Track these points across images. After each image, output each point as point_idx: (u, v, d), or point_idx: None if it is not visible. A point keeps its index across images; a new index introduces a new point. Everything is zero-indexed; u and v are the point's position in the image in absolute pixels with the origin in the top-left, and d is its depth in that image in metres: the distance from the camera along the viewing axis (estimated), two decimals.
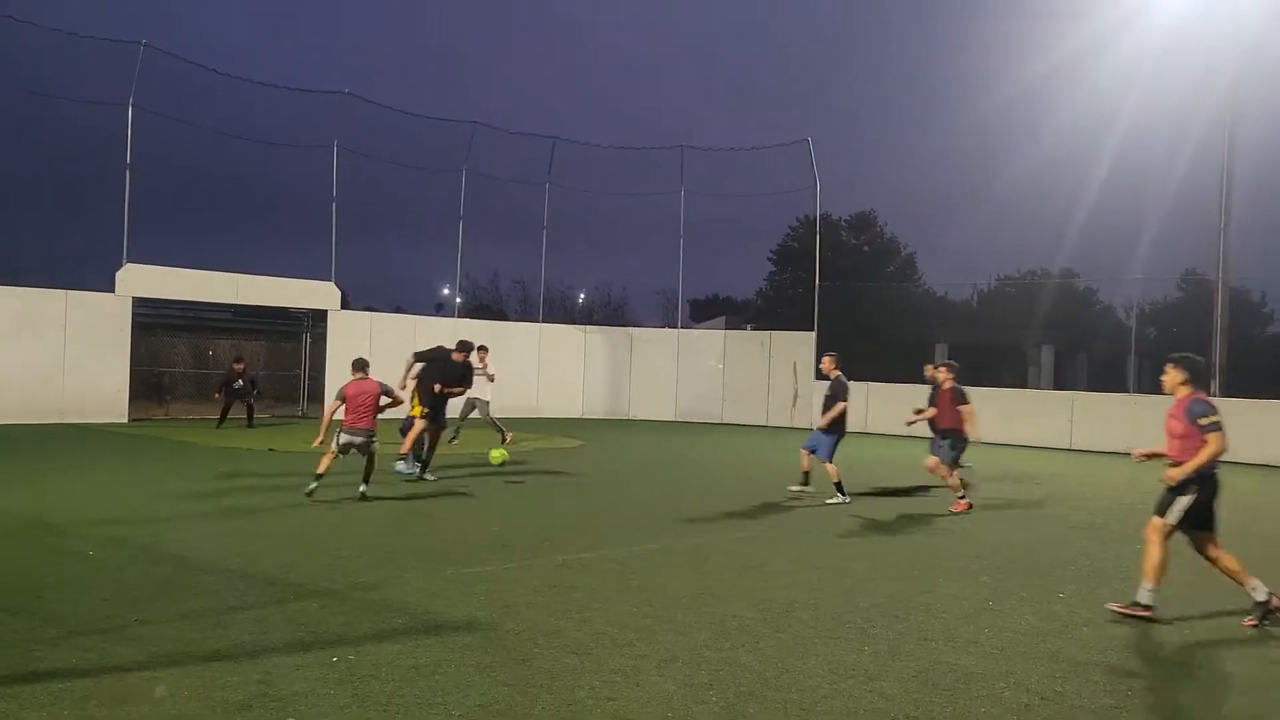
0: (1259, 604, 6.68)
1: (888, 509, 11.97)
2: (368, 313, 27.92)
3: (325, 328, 24.18)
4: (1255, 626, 6.60)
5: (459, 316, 29.60)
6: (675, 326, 32.58)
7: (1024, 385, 32.95)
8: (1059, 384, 35.26)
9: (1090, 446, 21.62)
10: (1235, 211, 23.41)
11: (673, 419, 27.86)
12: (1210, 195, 24.27)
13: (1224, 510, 7.01)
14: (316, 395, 24.48)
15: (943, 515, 11.57)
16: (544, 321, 29.46)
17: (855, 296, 42.10)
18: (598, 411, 27.96)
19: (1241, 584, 6.78)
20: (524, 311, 47.00)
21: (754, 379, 27.69)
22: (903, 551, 9.12)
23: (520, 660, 5.37)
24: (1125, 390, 29.68)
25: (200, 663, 5.14)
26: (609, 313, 51.52)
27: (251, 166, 26.19)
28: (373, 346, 24.37)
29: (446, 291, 34.86)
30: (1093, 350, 49.32)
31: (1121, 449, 20.52)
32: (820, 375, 17.08)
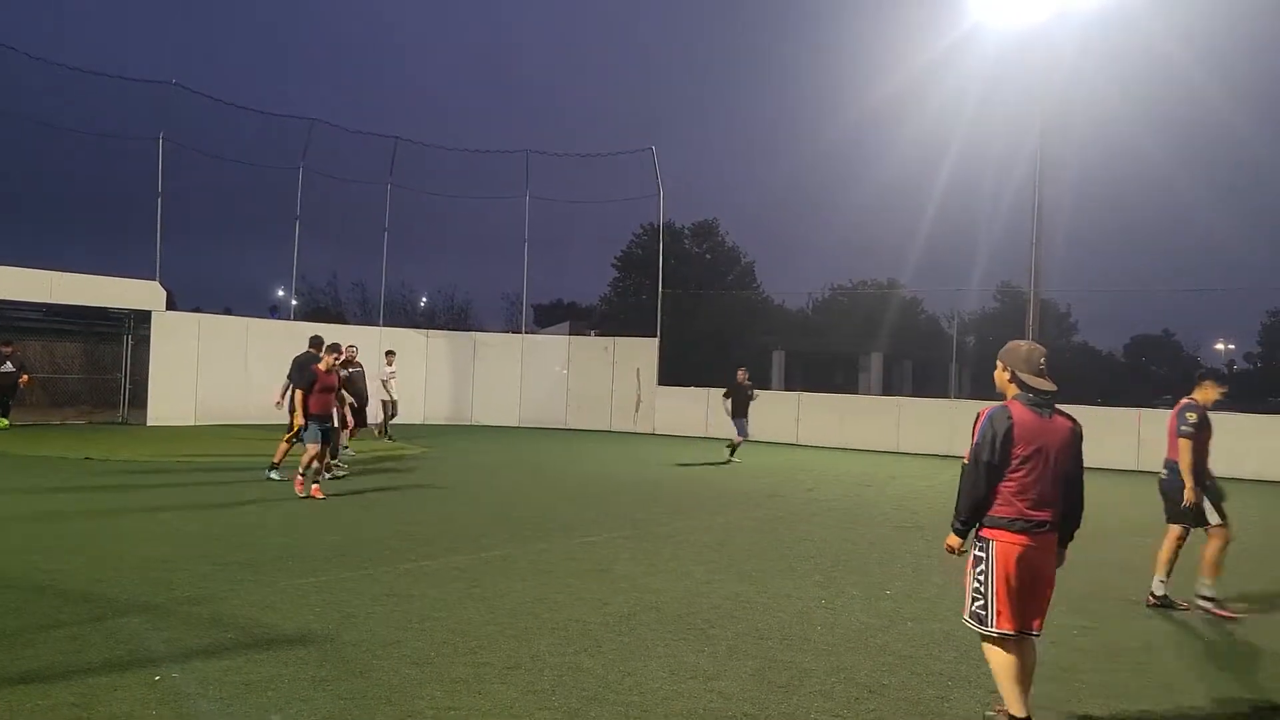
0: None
1: (728, 512, 12.26)
2: (195, 314, 26.55)
3: (149, 329, 22.89)
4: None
5: (295, 319, 28.60)
6: (520, 331, 32.44)
7: (855, 390, 34.30)
8: (887, 389, 36.86)
9: (915, 449, 22.72)
10: (1047, 229, 25.08)
11: (517, 424, 27.71)
12: (1026, 214, 25.90)
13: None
14: (139, 400, 23.15)
15: (781, 516, 11.94)
16: (385, 325, 28.80)
17: (697, 303, 42.97)
18: (440, 417, 27.51)
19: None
20: (364, 315, 45.77)
21: (598, 384, 27.86)
22: (741, 553, 9.35)
23: (359, 672, 5.24)
24: (946, 395, 31.32)
25: (7, 686, 4.80)
26: (452, 317, 50.77)
27: (71, 159, 24.56)
28: (200, 350, 23.28)
29: (282, 293, 33.58)
30: (917, 357, 51.94)
31: (943, 451, 21.77)
32: (734, 383, 19.03)
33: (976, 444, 4.55)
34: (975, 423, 4.62)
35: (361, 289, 48.00)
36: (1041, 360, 4.65)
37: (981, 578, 4.57)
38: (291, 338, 20.62)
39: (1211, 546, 7.57)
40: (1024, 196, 25.39)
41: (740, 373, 19.12)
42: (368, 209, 28.66)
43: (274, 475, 13.28)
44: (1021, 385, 4.63)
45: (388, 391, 20.17)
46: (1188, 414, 7.67)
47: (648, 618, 6.69)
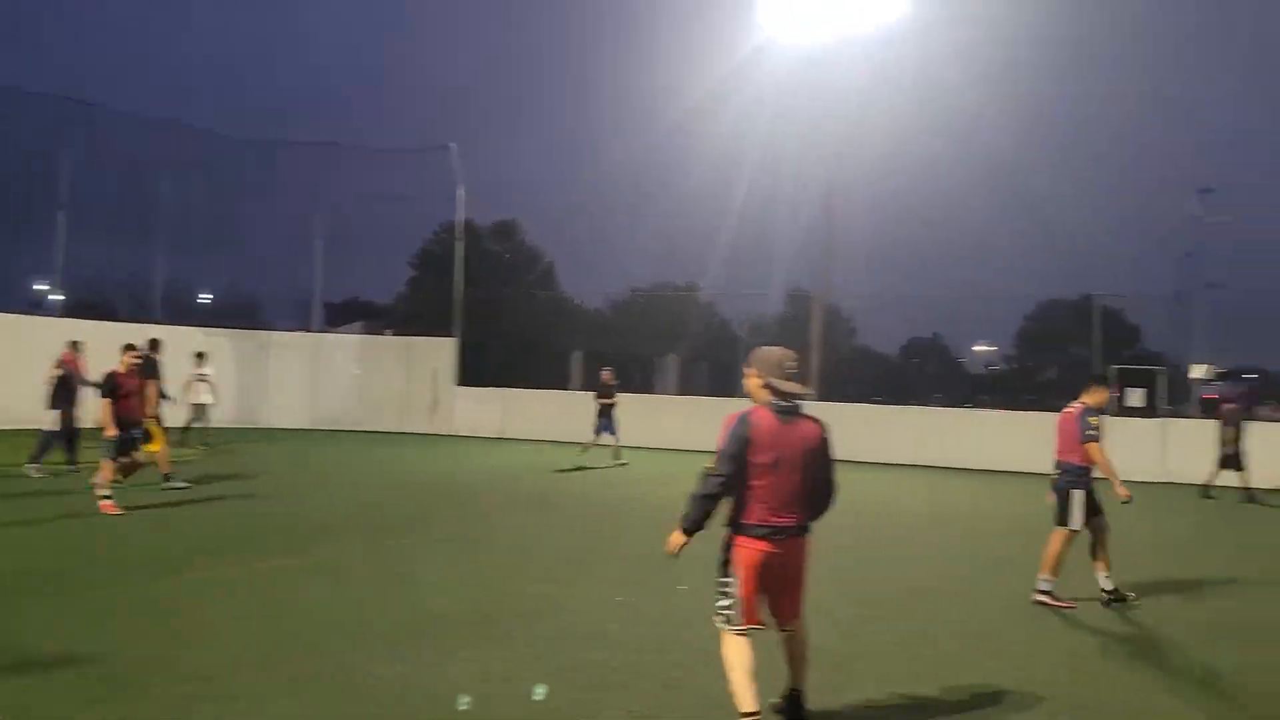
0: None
1: (533, 514, 12.28)
2: None
3: None
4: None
5: (60, 316, 26.41)
6: (310, 330, 31.23)
7: (651, 391, 35.03)
8: (682, 389, 37.78)
9: (708, 448, 23.39)
10: (835, 238, 26.54)
11: (309, 426, 26.65)
12: (818, 224, 27.34)
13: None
14: None
15: (587, 516, 12.07)
16: (162, 323, 27.04)
17: (496, 304, 42.62)
18: (227, 419, 26.09)
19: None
20: (138, 312, 42.79)
21: (394, 385, 27.21)
22: (546, 555, 9.40)
23: (136, 693, 4.94)
24: (736, 395, 32.46)
25: None
26: (239, 314, 48.21)
27: None
28: None
29: (43, 288, 30.90)
30: (711, 358, 53.50)
31: None
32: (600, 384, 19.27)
33: (720, 449, 4.55)
34: (723, 427, 4.60)
35: (135, 284, 44.84)
36: (792, 364, 4.66)
37: (729, 580, 4.62)
38: (61, 336, 18.98)
39: (1054, 539, 8.01)
40: (815, 207, 26.71)
41: (605, 374, 19.22)
42: (143, 199, 26.85)
43: (175, 484, 12.77)
44: (773, 390, 4.60)
45: (193, 395, 19.19)
46: (1090, 418, 8.04)
47: (449, 623, 6.63)
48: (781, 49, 28.65)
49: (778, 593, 4.67)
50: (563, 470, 17.61)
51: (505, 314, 43.74)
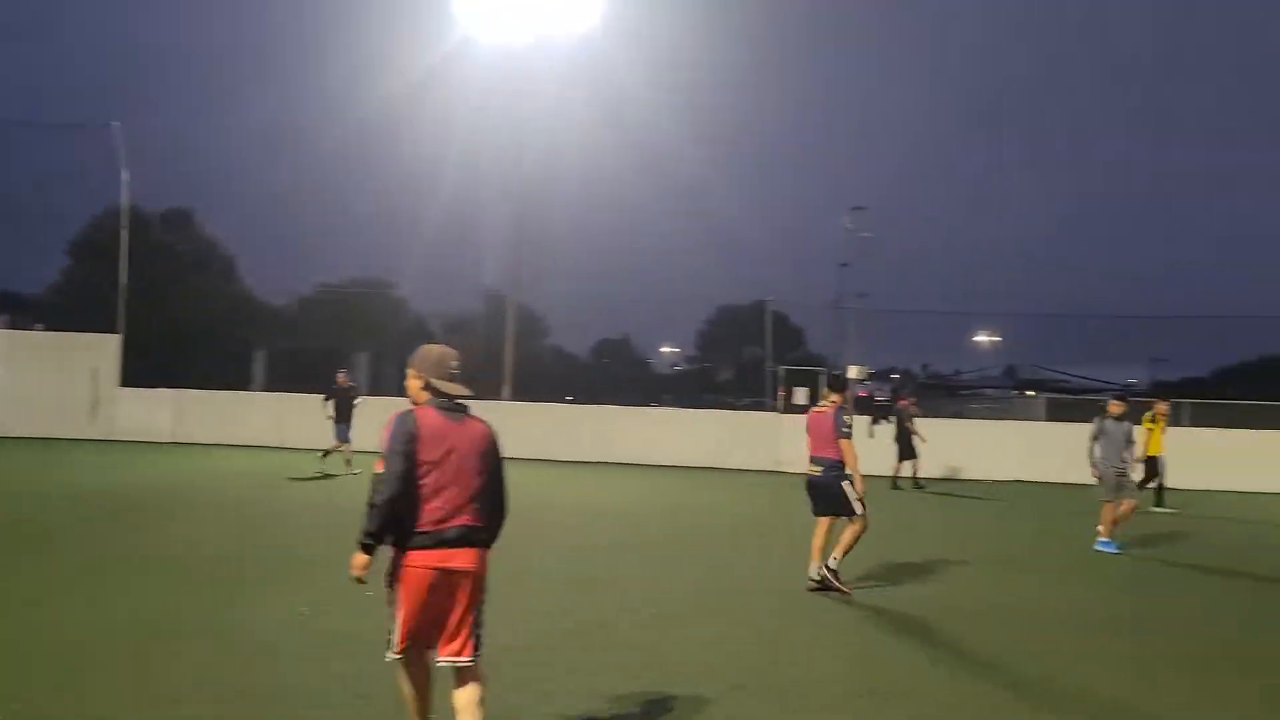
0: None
1: (196, 523, 11.52)
2: None
3: None
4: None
5: None
6: None
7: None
8: (374, 388, 36.76)
9: None
10: (528, 239, 26.95)
11: None
12: (512, 224, 27.59)
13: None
14: None
15: (255, 522, 11.48)
16: None
17: (166, 298, 39.46)
18: None
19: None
20: None
21: (45, 385, 24.35)
22: (211, 566, 8.84)
23: None
24: None
25: None
26: None
27: None
28: None
29: None
30: (403, 357, 52.47)
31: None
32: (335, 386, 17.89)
33: (387, 449, 4.12)
34: (385, 429, 4.19)
35: None
36: (454, 364, 4.36)
37: (395, 598, 4.16)
38: None
39: (850, 532, 8.52)
40: (512, 207, 26.96)
41: (340, 375, 18.11)
42: None
43: None
44: (434, 391, 4.28)
45: None
46: (844, 417, 8.57)
47: (101, 646, 6.10)
48: (480, 47, 28.71)
49: (441, 613, 4.15)
50: (299, 479, 16.53)
51: (177, 309, 40.62)
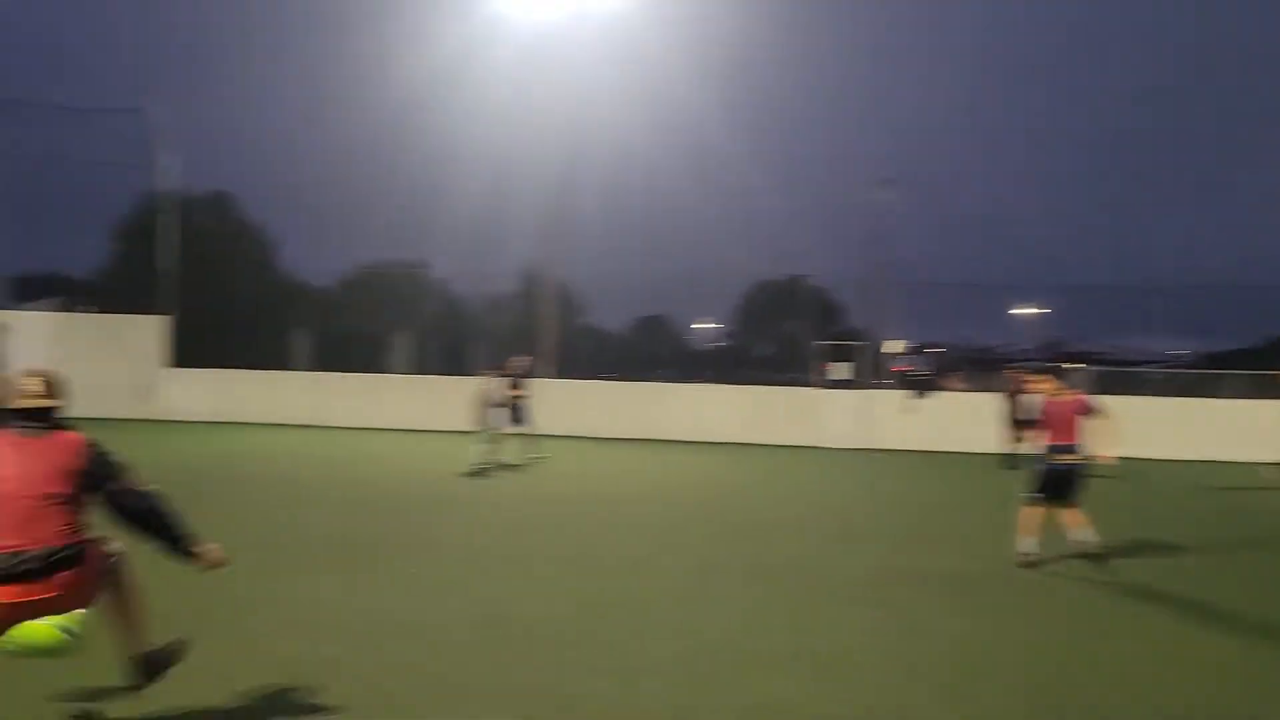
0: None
1: (242, 502, 11.70)
2: None
3: None
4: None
5: None
6: None
7: (382, 370, 34.12)
8: (415, 368, 37.08)
9: (446, 427, 22.99)
10: (566, 218, 26.94)
11: None
12: (551, 202, 27.59)
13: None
14: None
15: (282, 507, 11.65)
16: None
17: (212, 280, 39.89)
18: None
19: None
20: None
21: (96, 367, 24.76)
22: (253, 544, 9.01)
23: None
24: (469, 373, 32.25)
25: None
26: None
27: None
28: None
29: None
30: (444, 336, 52.81)
31: (470, 428, 22.39)
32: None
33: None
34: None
35: None
36: (24, 384, 4.46)
37: None
38: None
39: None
40: (548, 186, 26.96)
41: (515, 360, 17.02)
42: None
43: None
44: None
45: None
46: (1094, 400, 8.92)
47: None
48: (513, 23, 28.59)
49: None
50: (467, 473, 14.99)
51: (220, 290, 41.07)
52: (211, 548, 4.52)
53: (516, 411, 16.59)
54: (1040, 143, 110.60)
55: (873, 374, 26.36)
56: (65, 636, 4.06)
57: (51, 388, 4.50)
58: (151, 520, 4.40)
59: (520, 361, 17.32)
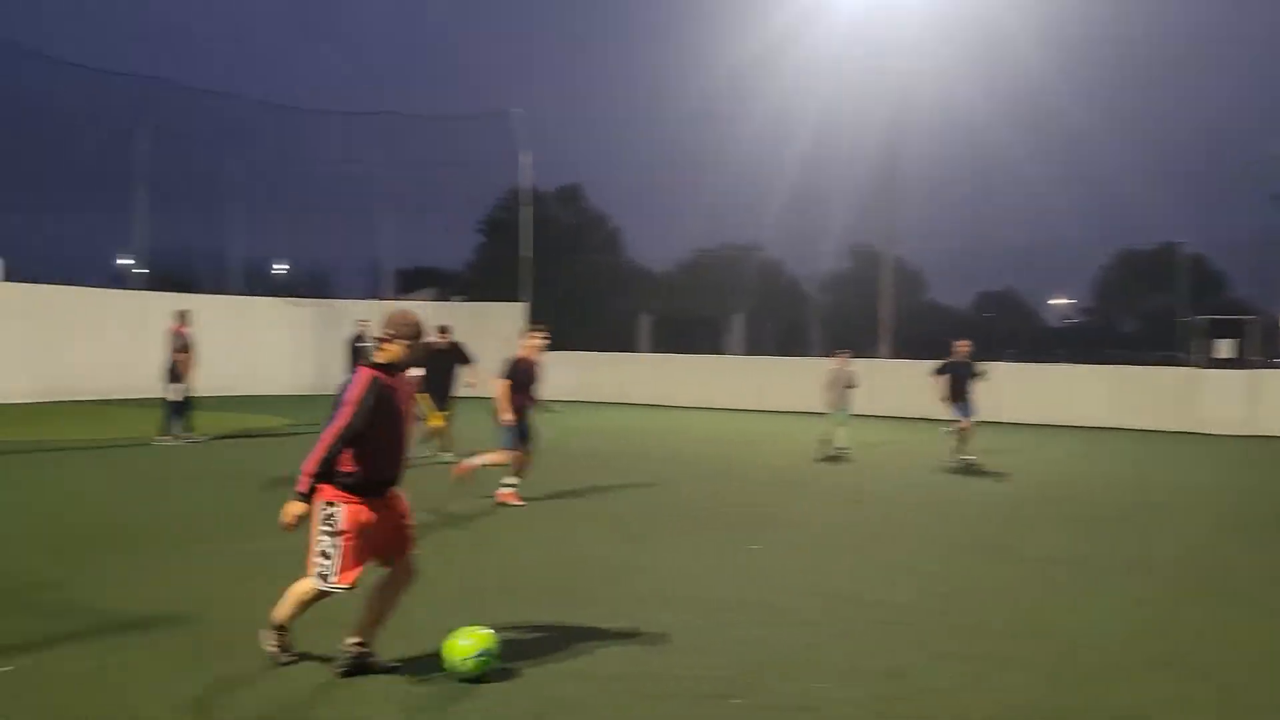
0: None
1: (606, 476, 12.28)
2: (24, 285, 24.09)
3: None
4: None
5: (141, 289, 27.15)
6: (380, 298, 31.62)
7: (719, 352, 34.85)
8: (750, 350, 37.51)
9: (780, 407, 23.15)
10: (898, 193, 26.03)
11: None
12: (879, 178, 26.82)
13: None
14: None
15: (637, 483, 12.05)
16: (241, 294, 27.66)
17: (564, 269, 42.70)
18: (303, 388, 26.65)
19: None
20: (218, 284, 43.85)
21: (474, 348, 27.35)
22: (617, 515, 9.40)
23: (223, 654, 5.03)
24: (808, 353, 32.08)
25: None
26: (313, 284, 49.08)
27: None
28: (34, 326, 21.89)
29: (127, 261, 31.76)
30: (778, 317, 53.07)
31: (805, 409, 22.28)
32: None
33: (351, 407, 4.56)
34: (351, 387, 4.63)
35: (216, 257, 45.91)
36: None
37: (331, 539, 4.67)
38: (147, 309, 19.56)
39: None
40: (878, 161, 26.20)
41: (961, 344, 14.99)
42: (217, 173, 27.39)
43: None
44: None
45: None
46: None
47: (530, 588, 6.65)
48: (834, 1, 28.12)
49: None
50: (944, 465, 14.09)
51: (572, 279, 43.85)
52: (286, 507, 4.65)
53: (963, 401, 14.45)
54: None
55: (1263, 351, 23.28)
56: (488, 660, 4.73)
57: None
58: None
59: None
